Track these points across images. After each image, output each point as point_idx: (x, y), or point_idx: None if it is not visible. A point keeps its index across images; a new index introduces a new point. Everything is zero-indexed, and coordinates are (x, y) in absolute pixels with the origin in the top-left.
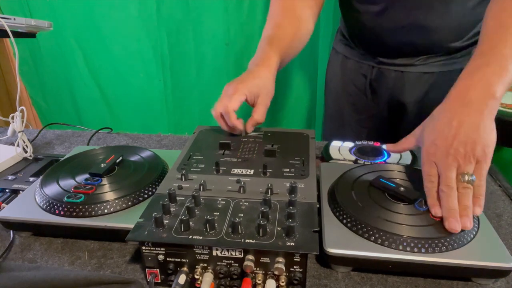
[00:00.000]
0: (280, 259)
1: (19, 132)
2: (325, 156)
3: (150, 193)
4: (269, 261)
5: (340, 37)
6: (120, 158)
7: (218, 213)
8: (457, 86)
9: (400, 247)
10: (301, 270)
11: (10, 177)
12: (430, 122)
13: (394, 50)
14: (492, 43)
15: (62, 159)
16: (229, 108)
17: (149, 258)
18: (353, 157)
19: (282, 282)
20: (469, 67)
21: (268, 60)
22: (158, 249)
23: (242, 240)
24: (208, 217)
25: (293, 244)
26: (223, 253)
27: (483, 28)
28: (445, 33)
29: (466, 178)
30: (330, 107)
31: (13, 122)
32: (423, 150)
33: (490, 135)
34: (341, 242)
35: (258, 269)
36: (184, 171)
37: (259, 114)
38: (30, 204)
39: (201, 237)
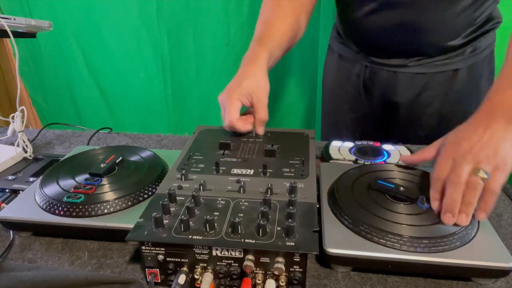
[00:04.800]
0: (280, 259)
1: (19, 132)
2: (325, 156)
3: (150, 193)
4: (269, 261)
5: (335, 34)
6: (120, 158)
7: (218, 213)
8: (483, 104)
9: (400, 247)
10: (301, 270)
11: (10, 177)
12: (454, 132)
13: (386, 50)
14: None
15: (62, 159)
16: (232, 122)
17: (149, 258)
18: (353, 157)
19: (282, 282)
20: (496, 86)
21: (256, 57)
22: (158, 249)
23: (242, 240)
24: (208, 217)
25: (293, 244)
26: (223, 253)
27: (509, 48)
28: (437, 34)
29: (480, 173)
30: (326, 104)
31: (13, 122)
32: (444, 148)
33: (510, 150)
34: (341, 242)
35: (258, 269)
36: (184, 171)
37: (260, 113)
38: (30, 204)
39: (201, 237)
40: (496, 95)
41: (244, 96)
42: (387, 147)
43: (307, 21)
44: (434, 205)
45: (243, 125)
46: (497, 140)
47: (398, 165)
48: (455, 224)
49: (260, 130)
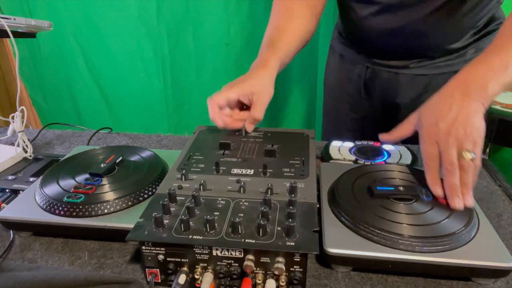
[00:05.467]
0: (280, 259)
1: (19, 132)
2: (325, 156)
3: (150, 193)
4: (269, 261)
5: (337, 34)
6: (120, 158)
7: (218, 213)
8: (458, 77)
9: (400, 247)
10: (301, 270)
11: (10, 177)
12: (428, 108)
13: (388, 52)
14: (500, 43)
15: (62, 159)
16: (212, 100)
17: (149, 258)
18: (353, 157)
19: (282, 282)
20: (474, 61)
21: (266, 62)
22: (158, 249)
23: (242, 240)
24: (208, 217)
25: (293, 244)
26: (223, 253)
27: (499, 30)
28: (439, 36)
29: (469, 155)
30: (327, 104)
31: (13, 122)
32: (423, 131)
33: (482, 122)
34: (341, 242)
35: (258, 269)
36: (184, 171)
37: (256, 111)
38: (30, 204)
39: (201, 237)
40: (472, 68)
41: (244, 91)
42: (387, 147)
43: (317, 24)
44: (436, 190)
45: (217, 113)
46: (470, 114)
47: (398, 165)
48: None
49: (250, 128)
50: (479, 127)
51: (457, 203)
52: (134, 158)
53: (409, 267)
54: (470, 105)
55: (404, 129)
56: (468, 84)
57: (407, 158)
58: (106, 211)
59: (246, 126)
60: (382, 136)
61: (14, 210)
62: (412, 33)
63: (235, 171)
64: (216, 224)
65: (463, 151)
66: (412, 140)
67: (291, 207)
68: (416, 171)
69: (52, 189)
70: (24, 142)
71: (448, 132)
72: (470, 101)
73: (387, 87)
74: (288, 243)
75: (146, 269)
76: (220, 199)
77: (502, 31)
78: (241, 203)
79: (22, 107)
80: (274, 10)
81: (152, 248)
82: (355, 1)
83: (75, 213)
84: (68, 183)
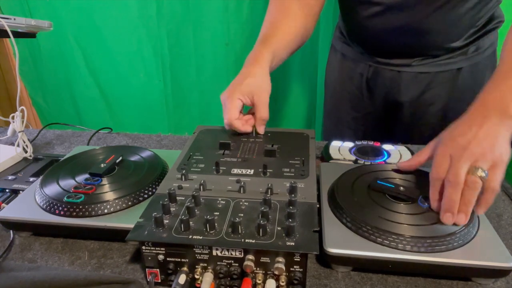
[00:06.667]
0: (280, 259)
1: (19, 132)
2: (325, 156)
3: (150, 193)
4: (269, 261)
5: (338, 34)
6: (120, 158)
7: (218, 213)
8: (477, 102)
9: (400, 247)
10: (301, 270)
11: (10, 177)
12: (447, 130)
13: (391, 51)
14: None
15: (62, 159)
16: (230, 121)
17: (149, 258)
18: (353, 157)
19: (282, 282)
20: (489, 84)
21: (259, 56)
22: (158, 249)
23: (242, 240)
24: (208, 217)
25: (293, 244)
26: (223, 253)
27: (504, 48)
28: (441, 35)
29: (479, 172)
30: (328, 104)
31: (13, 122)
32: (440, 144)
33: (507, 148)
34: (341, 242)
35: (258, 269)
36: (184, 171)
37: (261, 112)
38: (30, 204)
39: (201, 237)
40: (489, 92)
41: (245, 95)
42: (387, 147)
43: (314, 23)
44: (434, 205)
45: (242, 125)
46: (492, 136)
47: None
48: (454, 224)
49: (261, 129)
50: (501, 150)
51: (446, 219)
52: (134, 158)
53: (409, 267)
54: (492, 127)
55: (422, 155)
56: (487, 109)
57: (407, 158)
58: (106, 211)
59: (257, 129)
60: (401, 164)
61: (14, 210)
62: (414, 32)
63: (235, 171)
64: (216, 224)
65: (474, 167)
66: (415, 141)
67: (291, 207)
68: (416, 171)
69: (52, 189)
70: (24, 142)
71: (465, 147)
72: (492, 123)
73: (390, 85)
74: (288, 243)
75: (146, 269)
76: (220, 199)
77: (507, 55)
78: (241, 203)
79: (22, 107)
80: (270, 8)
81: (152, 248)
82: (358, 2)
83: (75, 213)
84: (68, 183)
